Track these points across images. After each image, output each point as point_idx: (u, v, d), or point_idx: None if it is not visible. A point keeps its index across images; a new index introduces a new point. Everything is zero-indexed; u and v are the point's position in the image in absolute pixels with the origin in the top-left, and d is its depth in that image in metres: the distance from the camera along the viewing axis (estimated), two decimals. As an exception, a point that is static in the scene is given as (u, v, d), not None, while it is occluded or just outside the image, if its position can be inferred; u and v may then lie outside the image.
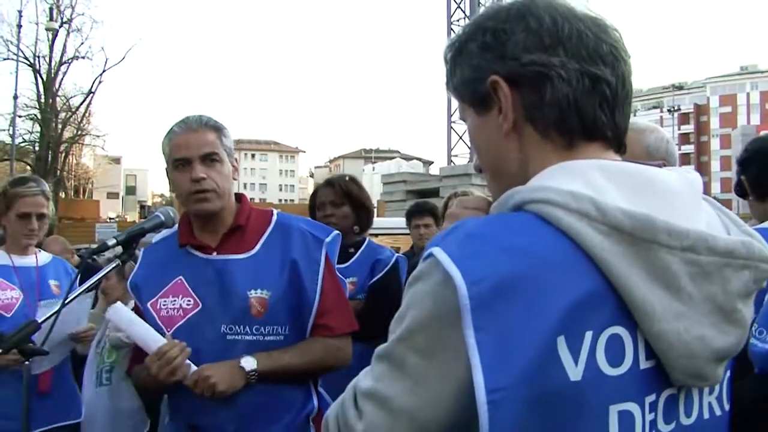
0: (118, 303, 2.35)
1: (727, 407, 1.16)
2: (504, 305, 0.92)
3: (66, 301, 2.02)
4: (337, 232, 2.68)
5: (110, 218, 40.03)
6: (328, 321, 2.53)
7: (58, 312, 2.00)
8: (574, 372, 0.94)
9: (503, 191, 1.10)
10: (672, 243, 0.99)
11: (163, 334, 2.38)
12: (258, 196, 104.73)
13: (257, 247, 2.52)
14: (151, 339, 2.30)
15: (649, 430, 1.02)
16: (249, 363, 2.34)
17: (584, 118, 1.11)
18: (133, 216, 59.23)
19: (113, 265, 2.16)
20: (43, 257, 3.83)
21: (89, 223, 22.65)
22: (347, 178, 4.01)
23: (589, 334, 0.95)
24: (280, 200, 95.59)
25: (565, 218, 0.98)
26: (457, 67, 1.21)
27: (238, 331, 2.41)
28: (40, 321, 1.98)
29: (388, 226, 11.28)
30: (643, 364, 1.01)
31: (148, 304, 2.48)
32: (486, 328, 0.92)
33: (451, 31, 28.30)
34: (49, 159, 35.44)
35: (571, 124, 1.11)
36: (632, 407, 1.00)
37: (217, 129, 2.52)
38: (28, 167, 35.69)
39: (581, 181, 1.03)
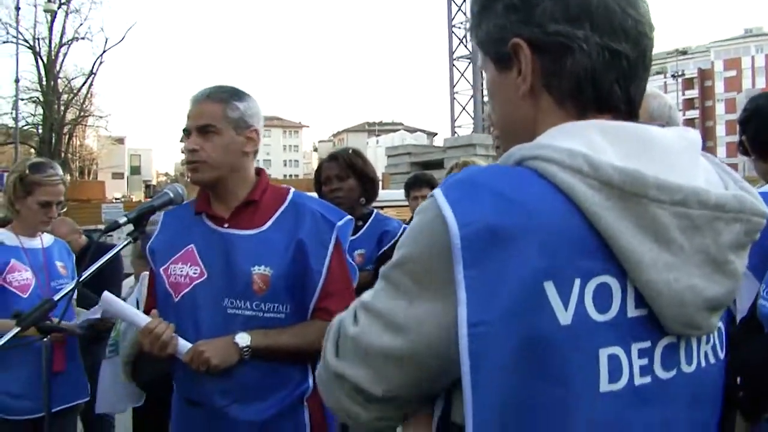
0: (106, 293, 2.39)
1: (721, 355, 1.21)
2: (493, 248, 0.97)
3: (81, 280, 2.06)
4: (349, 216, 2.67)
5: (116, 199, 40.12)
6: (330, 305, 2.49)
7: (72, 290, 2.04)
8: (564, 316, 0.99)
9: (510, 147, 1.15)
10: (661, 197, 1.03)
11: (171, 300, 2.46)
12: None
13: (268, 224, 2.53)
14: (140, 319, 2.37)
15: (641, 376, 1.07)
16: (243, 339, 2.36)
17: (599, 90, 1.14)
18: (138, 196, 59.33)
19: (125, 243, 2.20)
20: (47, 239, 3.86)
21: (95, 204, 22.71)
22: (351, 151, 4.03)
23: (577, 281, 1.00)
24: (284, 176, 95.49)
25: (559, 174, 1.03)
26: (483, 21, 1.23)
27: (239, 305, 2.43)
28: (56, 299, 2.02)
29: (393, 198, 11.26)
30: (632, 313, 1.05)
31: (161, 269, 2.52)
32: (475, 267, 0.97)
33: (452, 1, 28.16)
34: (53, 141, 35.47)
35: (586, 95, 1.14)
36: (619, 352, 1.04)
37: (222, 100, 2.53)
38: (32, 150, 35.72)
39: (579, 140, 1.07)
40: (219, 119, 2.50)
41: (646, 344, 1.08)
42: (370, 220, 3.94)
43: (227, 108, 2.52)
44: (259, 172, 2.67)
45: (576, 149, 1.05)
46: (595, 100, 1.15)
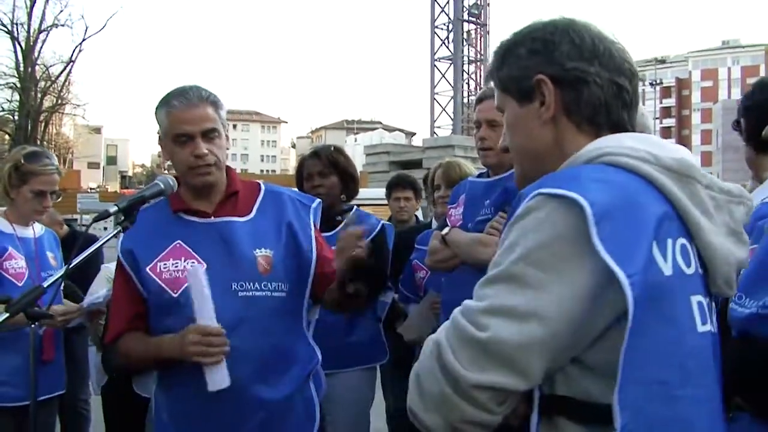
0: (198, 266, 2.41)
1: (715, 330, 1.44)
2: (614, 221, 1.20)
3: (70, 267, 2.07)
4: (319, 200, 2.83)
5: (91, 188, 39.83)
6: (332, 269, 2.61)
7: (61, 278, 2.05)
8: (666, 268, 1.25)
9: (535, 168, 1.48)
10: (702, 180, 1.36)
11: (169, 296, 2.47)
12: (239, 167, 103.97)
13: (253, 212, 2.63)
14: (208, 314, 2.35)
15: (709, 322, 1.36)
16: None
17: (611, 115, 1.45)
18: (114, 186, 58.81)
19: (115, 232, 2.21)
20: (38, 228, 3.87)
21: (71, 194, 22.46)
22: (332, 149, 4.05)
23: (670, 241, 1.27)
24: (261, 171, 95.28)
25: (632, 161, 1.32)
26: (505, 64, 1.54)
27: (249, 287, 2.51)
28: (45, 285, 2.03)
29: (371, 197, 11.28)
30: (700, 269, 1.35)
31: (147, 269, 2.51)
32: (607, 238, 1.18)
33: (435, 2, 28.18)
34: (29, 128, 34.97)
35: (601, 120, 1.45)
36: (702, 300, 1.34)
37: (214, 103, 2.58)
38: (7, 136, 35.32)
39: (617, 143, 1.38)
40: (217, 121, 2.57)
41: (706, 299, 1.36)
42: (349, 216, 3.91)
43: (218, 109, 2.59)
44: (226, 168, 2.71)
45: (628, 145, 1.35)
46: (608, 124, 1.45)
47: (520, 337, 1.18)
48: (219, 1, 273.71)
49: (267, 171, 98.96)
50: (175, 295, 2.47)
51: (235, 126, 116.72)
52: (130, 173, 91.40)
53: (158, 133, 2.62)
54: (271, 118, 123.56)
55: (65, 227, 5.14)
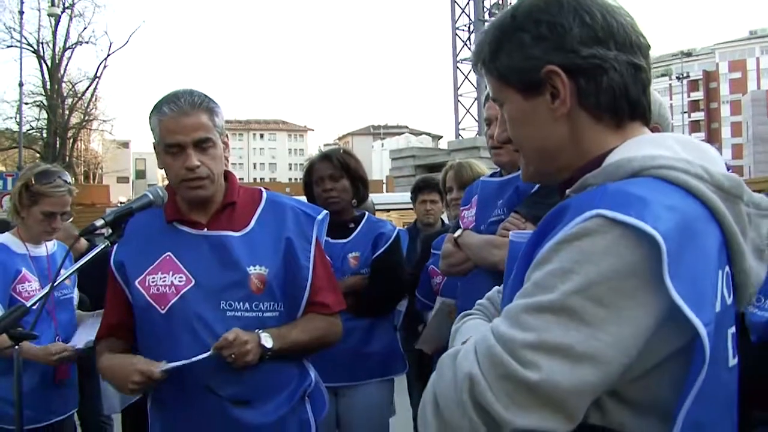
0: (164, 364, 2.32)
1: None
2: (684, 256, 1.07)
3: (55, 283, 1.99)
4: (326, 212, 2.67)
5: (121, 202, 40.04)
6: (325, 298, 2.55)
7: (47, 295, 1.98)
8: (717, 304, 1.14)
9: (547, 165, 1.35)
10: (744, 197, 1.22)
11: (155, 312, 2.38)
12: (268, 176, 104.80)
13: (251, 224, 2.49)
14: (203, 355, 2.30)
15: (736, 353, 1.26)
16: (267, 341, 2.33)
17: (631, 102, 1.29)
18: (143, 200, 59.14)
19: (101, 247, 2.13)
20: (50, 245, 3.80)
21: (100, 209, 22.70)
22: (342, 151, 3.92)
23: (720, 272, 1.16)
24: (289, 179, 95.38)
25: (691, 181, 1.16)
26: (503, 52, 1.34)
27: (238, 307, 2.39)
28: (29, 305, 1.96)
29: (397, 201, 11.24)
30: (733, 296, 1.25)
31: (136, 282, 2.42)
32: (677, 277, 1.05)
33: (455, 4, 28.08)
34: (58, 145, 35.49)
35: (622, 108, 1.29)
36: (733, 330, 1.24)
37: (209, 109, 2.42)
38: (37, 154, 35.74)
39: (667, 150, 1.22)
40: (212, 130, 2.42)
41: (733, 327, 1.26)
42: (362, 222, 3.84)
43: (214, 116, 2.44)
44: (227, 175, 2.59)
45: (688, 158, 1.20)
46: (629, 111, 1.30)
47: (575, 381, 1.05)
48: (243, 12, 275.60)
49: (295, 179, 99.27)
50: (163, 312, 2.38)
51: (262, 135, 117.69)
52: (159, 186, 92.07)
53: (153, 142, 2.50)
54: (297, 126, 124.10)
55: (83, 241, 5.10)
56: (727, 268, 1.19)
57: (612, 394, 1.14)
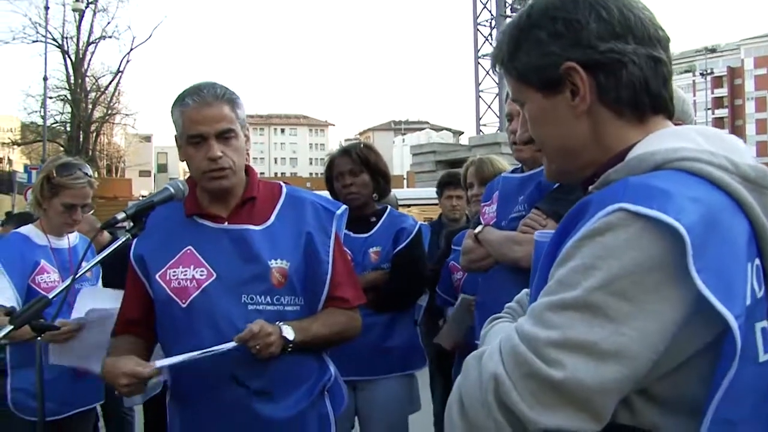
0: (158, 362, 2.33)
1: None
2: (710, 248, 1.05)
3: (77, 275, 2.00)
4: (345, 206, 2.67)
5: (143, 196, 40.16)
6: (345, 293, 2.56)
7: (68, 287, 1.99)
8: (747, 297, 1.10)
9: (570, 163, 1.34)
10: None
11: (176, 306, 2.38)
12: (289, 171, 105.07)
13: (272, 219, 2.50)
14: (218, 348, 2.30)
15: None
16: (289, 333, 2.33)
17: (652, 96, 1.27)
18: (165, 193, 59.42)
19: (123, 240, 2.13)
20: (73, 237, 3.81)
21: (122, 202, 22.82)
22: (362, 146, 3.91)
23: (749, 265, 1.12)
24: (310, 173, 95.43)
25: (715, 172, 1.14)
26: (520, 51, 1.33)
27: (260, 300, 2.39)
28: (51, 297, 1.97)
29: (418, 197, 11.25)
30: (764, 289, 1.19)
31: (157, 276, 2.43)
32: (704, 270, 1.03)
33: (478, 0, 27.97)
34: (81, 139, 35.76)
35: (643, 102, 1.27)
36: (765, 324, 1.17)
37: (231, 101, 2.44)
38: (61, 148, 36.01)
39: (690, 143, 1.20)
40: (234, 122, 2.43)
41: (765, 322, 1.19)
42: (384, 216, 3.83)
43: (236, 108, 2.45)
44: (248, 169, 2.59)
45: (711, 149, 1.18)
46: (650, 104, 1.28)
47: (600, 378, 1.04)
48: (265, 7, 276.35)
49: (316, 174, 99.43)
50: (184, 306, 2.39)
51: (283, 130, 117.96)
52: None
53: (175, 135, 2.51)
54: (318, 121, 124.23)
55: (106, 234, 5.12)
56: (757, 261, 1.15)
57: (641, 392, 1.12)
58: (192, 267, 2.40)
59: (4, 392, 3.42)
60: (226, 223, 2.47)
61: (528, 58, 1.32)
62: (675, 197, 1.07)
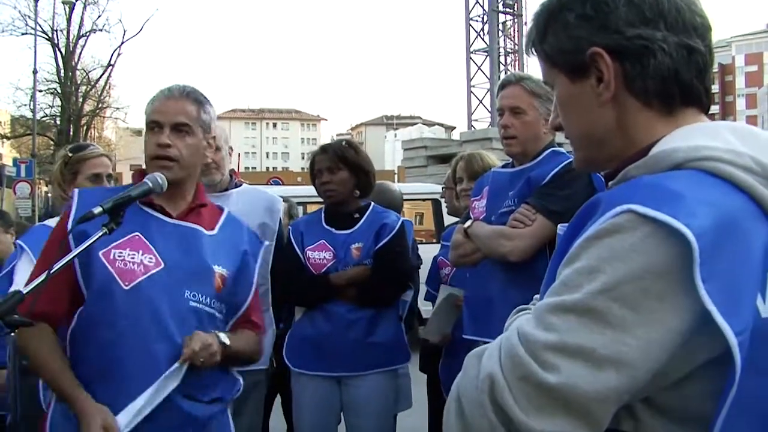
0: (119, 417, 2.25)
1: None
2: (721, 255, 0.99)
3: (52, 272, 1.94)
4: (267, 242, 2.87)
5: (133, 190, 40.04)
6: (257, 318, 2.69)
7: (43, 282, 1.93)
8: (764, 309, 1.05)
9: (596, 151, 1.29)
10: None
11: (118, 288, 2.31)
12: (281, 165, 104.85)
13: (216, 229, 2.57)
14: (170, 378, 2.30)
15: None
16: (225, 339, 2.39)
17: (683, 86, 1.21)
18: (156, 188, 59.38)
19: (100, 234, 2.08)
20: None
21: (112, 196, 22.72)
22: (344, 143, 3.92)
23: (767, 274, 1.06)
24: (302, 168, 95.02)
25: (737, 173, 1.08)
26: (550, 33, 1.29)
27: (200, 299, 2.42)
28: (25, 293, 1.91)
29: (409, 192, 11.19)
30: None
31: (100, 253, 2.32)
32: (711, 279, 0.97)
33: (470, -6, 27.96)
34: (71, 133, 35.46)
35: (672, 92, 1.20)
36: None
37: (198, 102, 2.52)
38: (51, 141, 35.84)
39: (719, 140, 1.13)
40: (194, 120, 2.49)
41: None
42: (367, 213, 3.82)
43: (201, 110, 2.52)
44: (198, 185, 2.63)
45: (737, 149, 1.11)
46: (681, 96, 1.21)
47: (596, 386, 1.00)
48: (257, 1, 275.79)
49: (307, 169, 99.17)
50: (126, 288, 2.31)
51: (275, 125, 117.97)
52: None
53: None
54: (310, 115, 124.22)
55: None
56: None
57: (645, 401, 1.08)
58: (140, 252, 2.37)
59: (35, 391, 3.33)
60: (176, 219, 2.49)
61: (556, 40, 1.28)
62: (687, 200, 1.02)
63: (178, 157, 2.44)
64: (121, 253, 2.35)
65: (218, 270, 2.47)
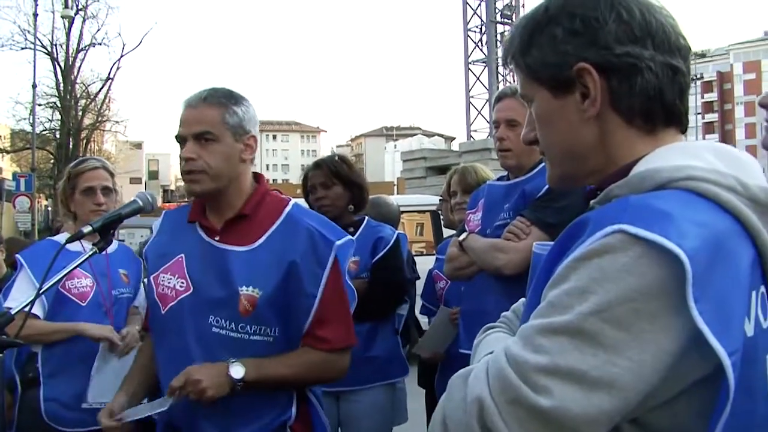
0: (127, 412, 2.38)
1: None
2: (712, 276, 0.99)
3: (41, 291, 1.93)
4: (350, 237, 2.50)
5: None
6: (326, 333, 2.38)
7: (33, 300, 1.92)
8: (749, 328, 1.04)
9: (574, 168, 1.27)
10: None
11: (158, 311, 2.41)
12: (280, 177, 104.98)
13: (260, 241, 2.38)
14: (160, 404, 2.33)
15: None
16: (237, 372, 2.23)
17: (666, 106, 1.21)
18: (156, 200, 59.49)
19: (90, 253, 2.07)
20: (113, 245, 3.67)
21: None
22: (337, 158, 3.94)
23: (753, 293, 1.06)
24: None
25: (722, 193, 1.08)
26: (534, 46, 1.26)
27: (224, 325, 2.31)
28: (14, 311, 1.90)
29: (408, 203, 11.15)
30: None
31: (152, 277, 2.45)
32: (703, 299, 0.97)
33: (467, 5, 28.02)
34: (71, 146, 35.50)
35: (656, 112, 1.21)
36: None
37: (221, 104, 2.37)
38: (50, 155, 35.87)
39: (701, 160, 1.14)
40: (217, 125, 2.35)
41: None
42: (361, 227, 3.84)
43: (225, 113, 2.37)
44: (258, 178, 2.53)
45: (720, 169, 1.12)
46: (664, 116, 1.22)
47: (588, 408, 0.98)
48: (256, 14, 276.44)
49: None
50: (163, 312, 2.37)
51: (275, 137, 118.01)
52: (172, 187, 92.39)
53: None
54: (310, 127, 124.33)
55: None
56: (762, 289, 1.09)
57: (634, 421, 1.06)
58: (176, 276, 2.38)
59: (37, 405, 3.32)
60: (217, 238, 2.41)
61: (540, 54, 1.25)
62: (678, 220, 1.01)
63: (205, 168, 2.34)
64: (163, 277, 2.41)
65: (245, 292, 2.30)
